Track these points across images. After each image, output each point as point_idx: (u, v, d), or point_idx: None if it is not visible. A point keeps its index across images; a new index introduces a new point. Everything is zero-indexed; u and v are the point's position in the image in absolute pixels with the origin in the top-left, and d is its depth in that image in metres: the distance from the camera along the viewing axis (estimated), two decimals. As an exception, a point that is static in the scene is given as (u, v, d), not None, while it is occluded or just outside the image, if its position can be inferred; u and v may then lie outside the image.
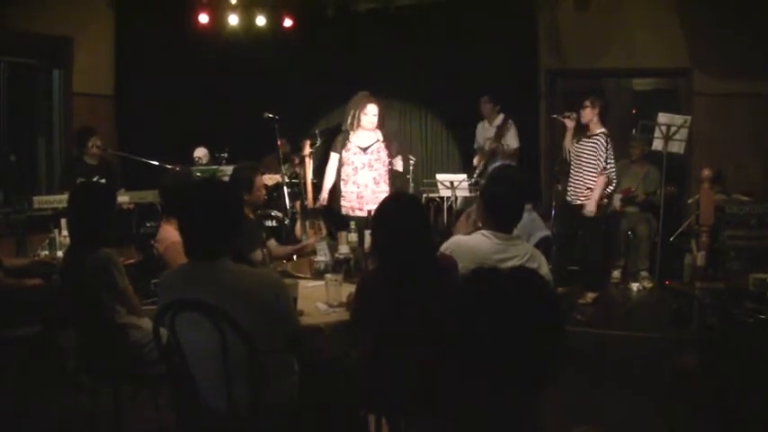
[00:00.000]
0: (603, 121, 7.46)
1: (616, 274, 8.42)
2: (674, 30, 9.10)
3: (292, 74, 9.71)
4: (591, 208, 7.31)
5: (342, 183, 7.04)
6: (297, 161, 8.79)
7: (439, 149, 10.26)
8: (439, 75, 9.53)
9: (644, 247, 8.24)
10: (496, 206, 3.68)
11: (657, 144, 7.83)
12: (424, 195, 8.70)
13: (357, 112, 6.89)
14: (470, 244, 3.64)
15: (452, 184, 8.25)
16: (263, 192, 5.55)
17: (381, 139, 7.01)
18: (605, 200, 7.49)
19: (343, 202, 7.06)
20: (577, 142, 7.55)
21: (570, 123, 7.64)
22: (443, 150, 10.21)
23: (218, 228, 3.06)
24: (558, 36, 9.59)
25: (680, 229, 8.09)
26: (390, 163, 7.08)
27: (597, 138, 7.36)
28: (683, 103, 9.26)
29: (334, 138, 7.30)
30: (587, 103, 7.40)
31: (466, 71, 9.28)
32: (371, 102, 6.94)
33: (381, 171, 7.02)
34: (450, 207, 8.54)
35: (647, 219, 8.36)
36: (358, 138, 6.99)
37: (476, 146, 9.28)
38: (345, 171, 7.03)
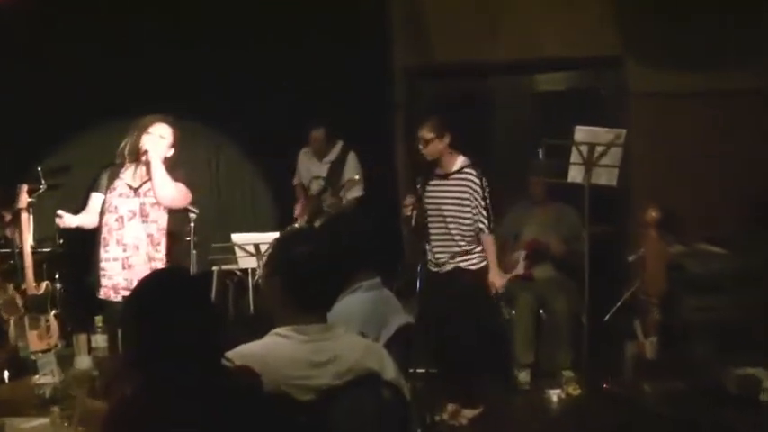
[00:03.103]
0: (459, 148, 7.39)
1: (524, 375, 8.15)
2: (593, 5, 9.34)
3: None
4: (499, 282, 7.38)
5: (101, 247, 6.53)
6: (9, 218, 8.27)
7: (239, 195, 9.98)
8: (243, 82, 9.49)
9: (564, 333, 8.06)
10: (298, 278, 3.50)
11: (575, 174, 7.63)
12: (215, 268, 8.56)
13: (136, 134, 6.56)
14: (264, 354, 3.42)
15: (259, 250, 7.98)
16: None
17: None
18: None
19: (102, 281, 6.50)
20: (432, 187, 7.46)
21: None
22: (246, 196, 9.97)
23: None
24: (420, 20, 9.74)
25: (618, 303, 8.26)
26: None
27: (465, 176, 7.29)
28: (613, 109, 9.37)
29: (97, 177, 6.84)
30: (428, 134, 7.24)
31: (285, 76, 9.35)
32: (163, 122, 6.62)
33: (162, 223, 6.60)
34: (257, 284, 8.34)
35: (567, 287, 8.19)
36: (130, 174, 6.62)
37: (296, 181, 9.40)
38: (107, 225, 6.53)
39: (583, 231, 7.83)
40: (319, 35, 9.46)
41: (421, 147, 7.34)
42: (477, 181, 7.24)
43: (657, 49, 9.26)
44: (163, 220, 6.59)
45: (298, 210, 9.27)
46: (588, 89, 10.01)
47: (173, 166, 6.73)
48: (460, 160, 7.36)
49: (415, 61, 9.98)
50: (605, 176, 7.57)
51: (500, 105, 10.25)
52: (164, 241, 6.60)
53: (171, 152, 6.60)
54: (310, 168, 9.37)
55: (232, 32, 9.74)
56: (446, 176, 7.37)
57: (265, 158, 9.98)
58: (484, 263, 7.35)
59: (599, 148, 7.53)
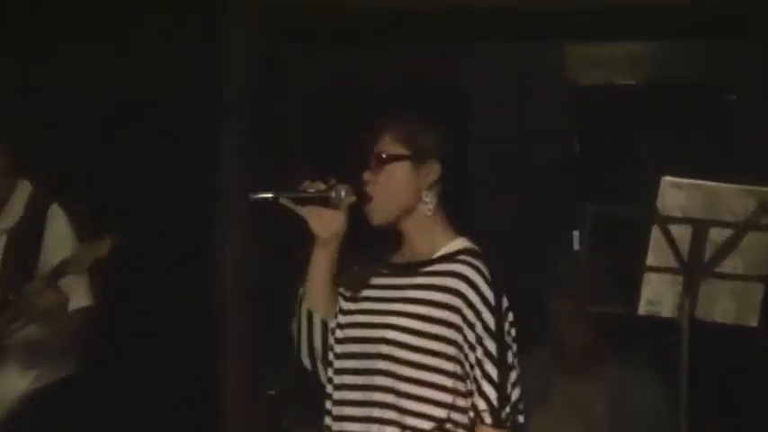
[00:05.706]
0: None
1: None
2: None
3: None
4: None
5: None
6: None
7: None
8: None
9: None
10: None
11: (658, 297, 4.39)
12: None
13: None
14: None
15: None
16: None
17: None
18: None
19: None
20: (370, 293, 4.00)
21: (329, 221, 3.91)
22: None
23: None
24: None
25: None
26: None
27: (456, 268, 3.81)
28: (752, 132, 6.20)
29: None
30: (389, 143, 3.98)
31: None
32: None
33: None
34: None
35: None
36: None
37: None
38: None
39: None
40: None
41: (366, 177, 3.71)
42: (484, 287, 3.65)
43: None
44: None
45: None
46: (692, 84, 6.19)
47: None
48: (458, 240, 3.80)
49: (279, 3, 6.52)
50: (733, 305, 4.27)
51: (479, 117, 6.32)
52: None
53: None
54: None
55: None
56: (412, 268, 3.79)
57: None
58: None
59: (718, 233, 4.13)
